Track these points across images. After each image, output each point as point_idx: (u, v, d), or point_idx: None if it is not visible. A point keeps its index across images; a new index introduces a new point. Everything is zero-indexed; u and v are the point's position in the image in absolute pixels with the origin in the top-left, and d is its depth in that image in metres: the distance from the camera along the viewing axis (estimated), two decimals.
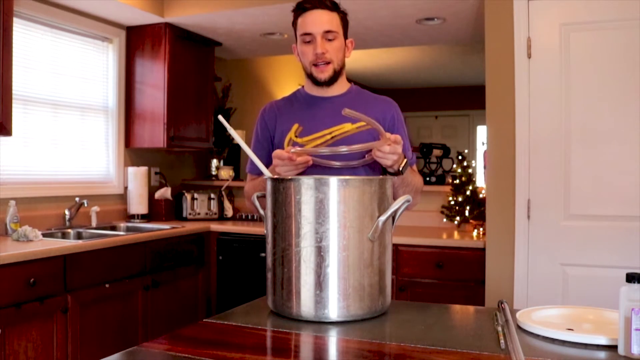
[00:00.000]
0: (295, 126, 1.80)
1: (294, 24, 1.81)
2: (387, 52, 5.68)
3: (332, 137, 1.76)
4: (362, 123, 1.79)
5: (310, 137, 1.78)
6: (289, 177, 1.38)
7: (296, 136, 1.79)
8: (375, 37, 4.22)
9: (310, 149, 1.71)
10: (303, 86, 1.90)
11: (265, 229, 1.45)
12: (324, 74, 1.77)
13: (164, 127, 3.87)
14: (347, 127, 1.77)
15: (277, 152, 1.59)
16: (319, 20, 1.74)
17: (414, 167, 1.92)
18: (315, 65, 1.77)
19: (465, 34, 4.17)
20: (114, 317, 3.02)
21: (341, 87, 1.86)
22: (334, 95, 1.84)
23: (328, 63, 1.76)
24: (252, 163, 1.86)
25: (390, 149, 1.53)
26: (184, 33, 4.00)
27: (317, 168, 1.68)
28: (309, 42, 1.76)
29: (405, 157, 1.62)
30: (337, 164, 1.68)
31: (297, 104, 1.87)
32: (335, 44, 1.76)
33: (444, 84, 8.16)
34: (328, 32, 1.74)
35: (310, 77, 1.81)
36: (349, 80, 1.92)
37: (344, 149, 1.51)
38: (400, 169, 1.61)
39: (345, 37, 1.82)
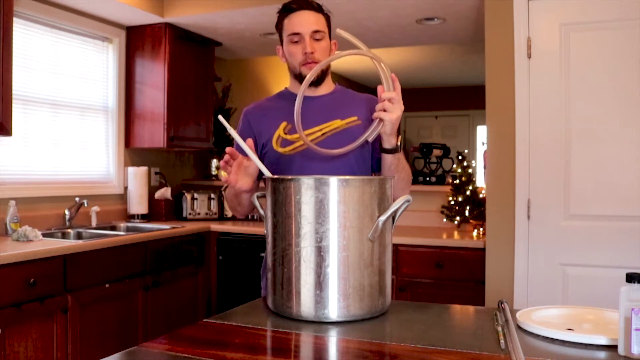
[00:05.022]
0: (284, 124, 1.79)
1: (280, 25, 1.82)
2: (387, 52, 5.67)
3: (323, 134, 1.76)
4: (352, 119, 1.78)
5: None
6: (289, 177, 1.38)
7: (285, 133, 1.78)
8: (375, 37, 4.22)
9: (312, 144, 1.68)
10: (286, 87, 1.90)
11: (265, 229, 1.45)
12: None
13: (163, 127, 3.87)
14: (337, 123, 1.77)
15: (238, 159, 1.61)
16: (307, 20, 1.75)
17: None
18: (305, 64, 1.76)
19: (465, 34, 4.16)
20: (114, 317, 3.02)
21: (327, 87, 1.87)
22: (321, 95, 1.84)
23: (317, 63, 1.76)
24: None
25: (394, 96, 1.56)
26: (184, 33, 4.00)
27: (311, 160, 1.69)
28: (296, 42, 1.76)
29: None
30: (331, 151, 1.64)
31: (283, 103, 1.85)
32: (322, 44, 1.77)
33: (444, 84, 8.16)
34: (316, 32, 1.75)
35: (299, 77, 1.80)
36: (334, 80, 1.92)
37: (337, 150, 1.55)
38: (398, 144, 1.60)
39: (330, 38, 1.83)
